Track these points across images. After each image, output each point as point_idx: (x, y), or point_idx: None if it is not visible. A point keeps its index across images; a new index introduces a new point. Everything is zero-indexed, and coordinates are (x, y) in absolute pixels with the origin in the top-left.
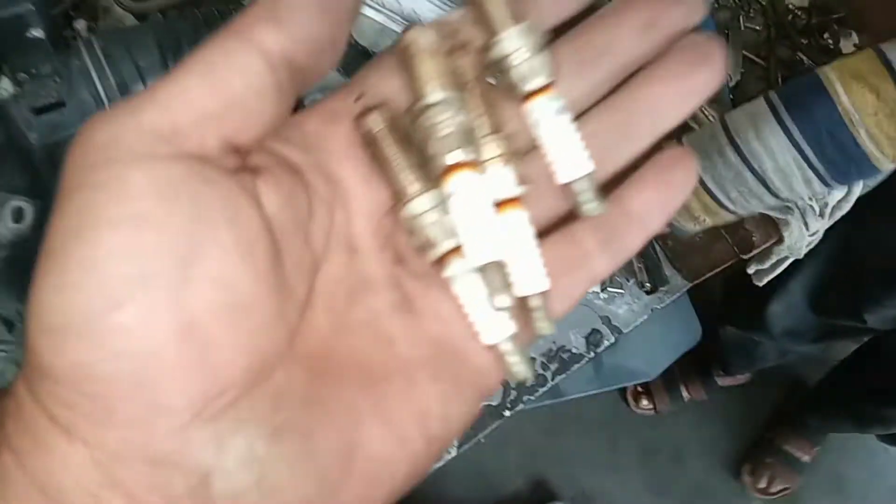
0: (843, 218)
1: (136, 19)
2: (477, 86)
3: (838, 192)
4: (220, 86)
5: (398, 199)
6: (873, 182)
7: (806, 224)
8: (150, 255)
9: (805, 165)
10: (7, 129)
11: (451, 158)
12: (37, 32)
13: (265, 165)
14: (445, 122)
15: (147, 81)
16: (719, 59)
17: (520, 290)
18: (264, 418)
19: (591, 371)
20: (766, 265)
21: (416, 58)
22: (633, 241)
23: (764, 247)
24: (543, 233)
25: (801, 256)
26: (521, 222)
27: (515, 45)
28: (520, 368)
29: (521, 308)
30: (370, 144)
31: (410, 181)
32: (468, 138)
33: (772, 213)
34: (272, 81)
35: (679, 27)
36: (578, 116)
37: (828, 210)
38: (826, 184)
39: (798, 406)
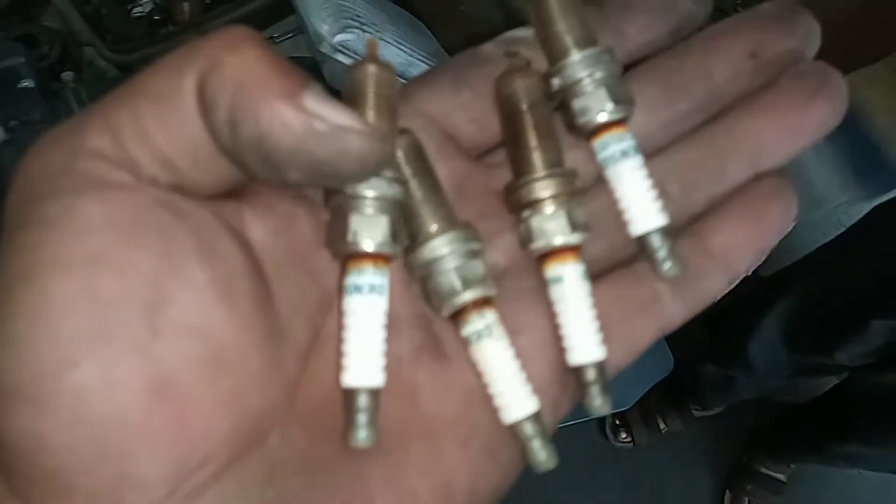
0: (814, 255)
1: (118, 70)
2: (535, 115)
3: None
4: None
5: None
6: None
7: None
8: (111, 303)
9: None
10: None
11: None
12: (28, 83)
13: (259, 184)
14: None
15: None
16: (840, 92)
17: (571, 359)
18: (255, 494)
19: None
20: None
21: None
22: (713, 285)
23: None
24: (607, 269)
25: None
26: (574, 277)
27: (582, 74)
28: (541, 458)
29: (570, 378)
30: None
31: (433, 217)
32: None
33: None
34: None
35: (789, 59)
36: (660, 150)
37: None
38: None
39: (770, 429)
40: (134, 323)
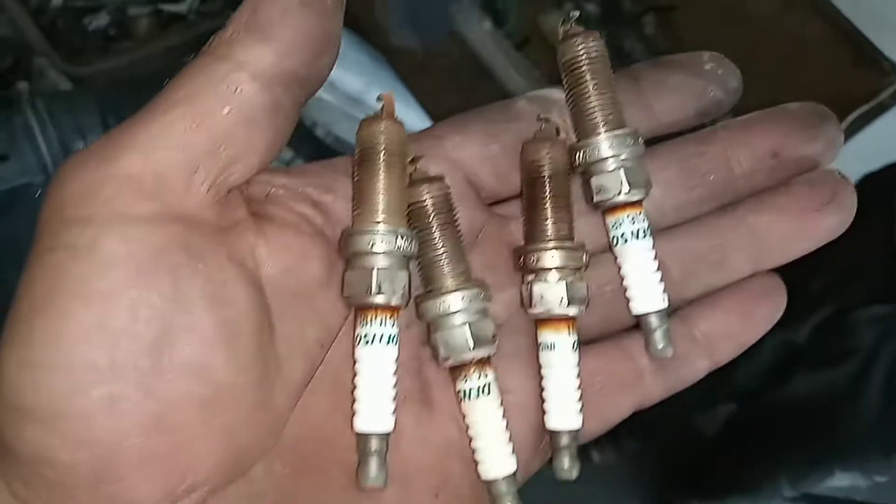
0: None
1: (70, 82)
2: (554, 185)
3: None
4: (207, 118)
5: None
6: None
7: None
8: (121, 339)
9: None
10: None
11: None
12: None
13: (280, 219)
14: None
15: (88, 139)
16: (850, 204)
17: (549, 423)
18: None
19: None
20: None
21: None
22: (694, 371)
23: None
24: (597, 337)
25: None
26: (565, 346)
27: (607, 154)
28: None
29: (544, 442)
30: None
31: (448, 273)
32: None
33: None
34: (265, 102)
35: (807, 163)
36: (669, 230)
37: None
38: None
39: (690, 464)
40: (140, 359)
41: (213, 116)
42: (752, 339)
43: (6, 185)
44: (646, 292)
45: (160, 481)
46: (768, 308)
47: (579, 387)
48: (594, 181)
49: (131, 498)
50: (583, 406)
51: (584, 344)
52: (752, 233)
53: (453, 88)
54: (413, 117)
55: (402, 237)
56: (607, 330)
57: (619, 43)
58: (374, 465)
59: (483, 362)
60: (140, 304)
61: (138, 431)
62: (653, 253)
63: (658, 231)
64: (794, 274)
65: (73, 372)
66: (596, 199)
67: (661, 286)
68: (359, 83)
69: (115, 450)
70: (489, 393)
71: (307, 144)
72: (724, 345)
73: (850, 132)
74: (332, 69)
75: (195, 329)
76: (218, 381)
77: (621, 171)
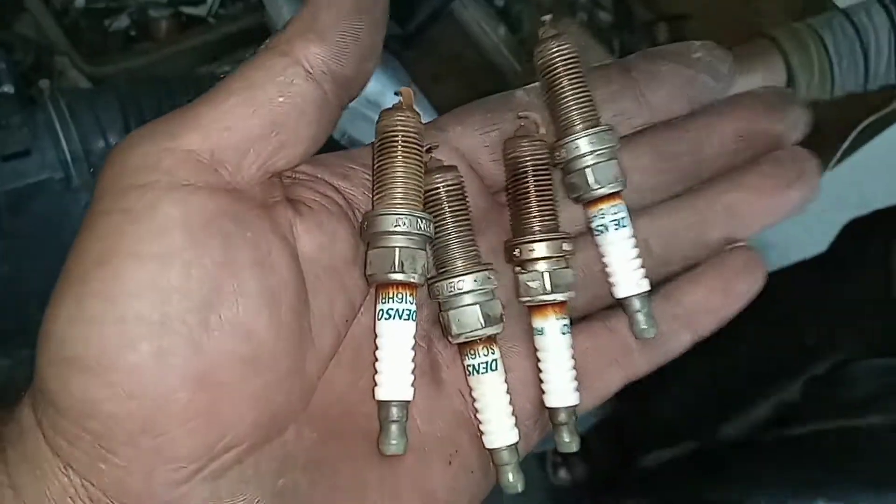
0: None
1: (89, 82)
2: (537, 179)
3: None
4: (263, 106)
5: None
6: None
7: None
8: (173, 296)
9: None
10: None
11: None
12: (7, 88)
13: (310, 200)
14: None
15: (108, 137)
16: (815, 179)
17: (548, 401)
18: (268, 480)
19: None
20: None
21: None
22: (678, 345)
23: None
24: (585, 316)
25: None
26: (554, 330)
27: (585, 150)
28: (512, 481)
29: (543, 416)
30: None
31: (460, 256)
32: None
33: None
34: (316, 97)
35: (775, 143)
36: (648, 210)
37: None
38: None
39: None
40: (189, 317)
41: (269, 105)
42: (731, 312)
43: (27, 179)
44: (627, 278)
45: (202, 436)
46: (747, 283)
47: (574, 366)
48: (571, 179)
49: (173, 453)
50: (577, 385)
51: (577, 321)
52: (727, 209)
53: (467, 94)
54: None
55: (421, 220)
56: (598, 306)
57: (631, 50)
58: (395, 432)
59: (490, 339)
60: (193, 265)
61: (185, 386)
62: (632, 241)
63: (640, 210)
64: (787, 328)
65: (124, 325)
66: (577, 193)
67: (642, 271)
68: (376, 86)
69: (162, 403)
70: (496, 368)
71: (324, 145)
72: (706, 319)
73: (863, 140)
74: (373, 74)
75: (242, 292)
76: (259, 342)
77: (595, 169)
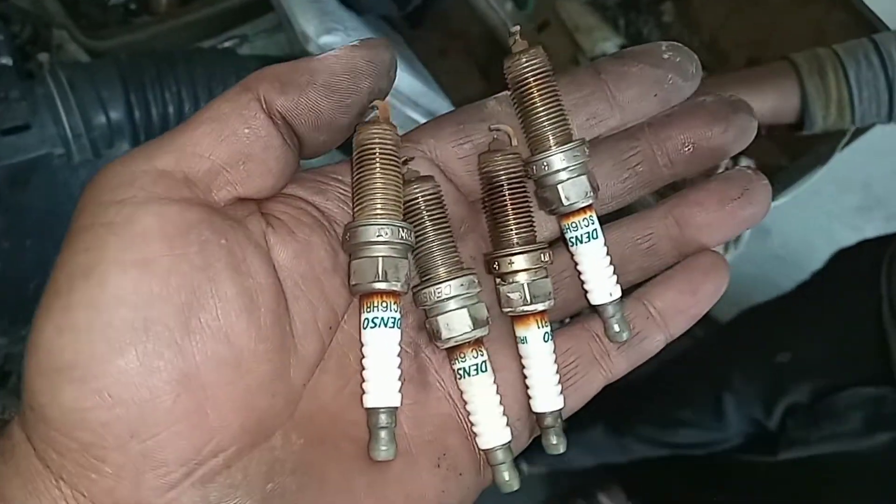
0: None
1: (88, 56)
2: (512, 192)
3: None
4: (229, 136)
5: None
6: None
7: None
8: (155, 301)
9: None
10: None
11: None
12: (5, 60)
13: (282, 213)
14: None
15: (109, 112)
16: (765, 199)
17: (534, 406)
18: (256, 485)
19: None
20: None
21: None
22: (652, 345)
23: None
24: (563, 317)
25: None
26: (536, 338)
27: (558, 166)
28: (508, 479)
29: (531, 417)
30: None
31: (443, 263)
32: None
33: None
34: (277, 134)
35: (720, 152)
36: (608, 223)
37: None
38: None
39: None
40: (171, 321)
41: (234, 135)
42: (700, 311)
43: (27, 154)
44: (601, 285)
45: (188, 439)
46: (713, 284)
47: (557, 371)
48: (544, 193)
49: (161, 457)
50: (561, 389)
51: (556, 324)
52: (677, 223)
53: (472, 69)
54: (433, 97)
55: (402, 229)
56: (569, 310)
57: (638, 30)
58: (384, 438)
59: (478, 342)
60: (172, 272)
61: (169, 388)
62: (605, 250)
63: (601, 218)
64: (768, 351)
65: (111, 332)
66: (546, 209)
67: (614, 278)
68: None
69: (148, 406)
70: (485, 370)
71: None
72: (677, 319)
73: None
74: (327, 151)
75: (220, 296)
76: (240, 345)
77: (566, 185)
